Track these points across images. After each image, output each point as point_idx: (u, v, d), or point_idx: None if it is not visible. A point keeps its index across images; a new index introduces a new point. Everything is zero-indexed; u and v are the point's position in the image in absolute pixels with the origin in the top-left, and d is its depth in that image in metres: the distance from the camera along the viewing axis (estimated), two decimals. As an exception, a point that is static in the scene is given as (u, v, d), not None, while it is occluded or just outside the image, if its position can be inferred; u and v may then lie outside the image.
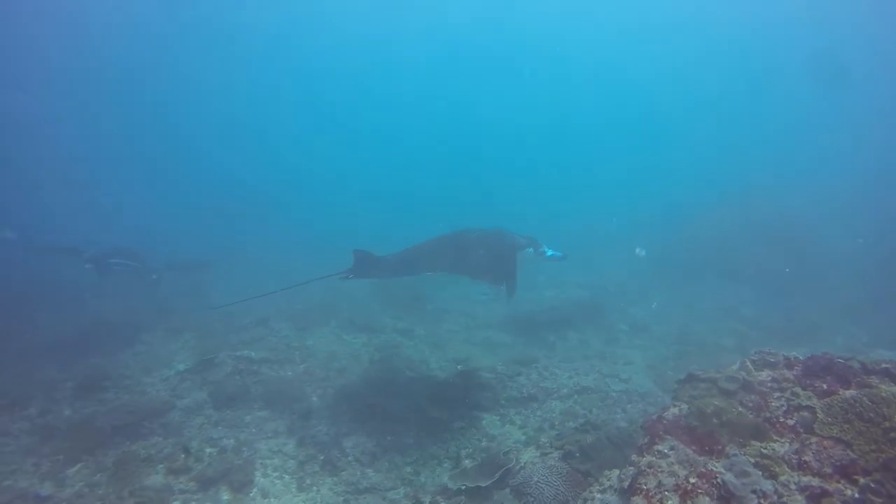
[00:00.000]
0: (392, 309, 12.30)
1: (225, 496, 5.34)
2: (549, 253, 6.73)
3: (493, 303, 11.87)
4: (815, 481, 2.80)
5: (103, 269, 10.35)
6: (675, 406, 3.61)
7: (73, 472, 5.53)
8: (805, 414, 3.20)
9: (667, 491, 2.94)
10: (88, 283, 11.42)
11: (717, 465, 3.02)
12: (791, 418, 3.24)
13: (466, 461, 5.82)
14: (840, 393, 3.22)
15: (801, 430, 3.14)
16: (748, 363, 3.82)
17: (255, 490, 5.46)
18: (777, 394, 3.45)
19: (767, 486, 2.82)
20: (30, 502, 5.05)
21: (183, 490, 5.35)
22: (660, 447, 3.26)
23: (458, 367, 8.59)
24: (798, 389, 3.38)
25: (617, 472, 3.57)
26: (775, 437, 3.17)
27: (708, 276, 13.37)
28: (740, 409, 3.40)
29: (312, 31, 38.26)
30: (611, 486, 3.54)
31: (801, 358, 3.63)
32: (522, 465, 5.23)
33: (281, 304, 11.48)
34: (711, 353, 8.69)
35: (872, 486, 2.69)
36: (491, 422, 6.69)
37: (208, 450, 6.00)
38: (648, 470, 3.12)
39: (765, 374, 3.63)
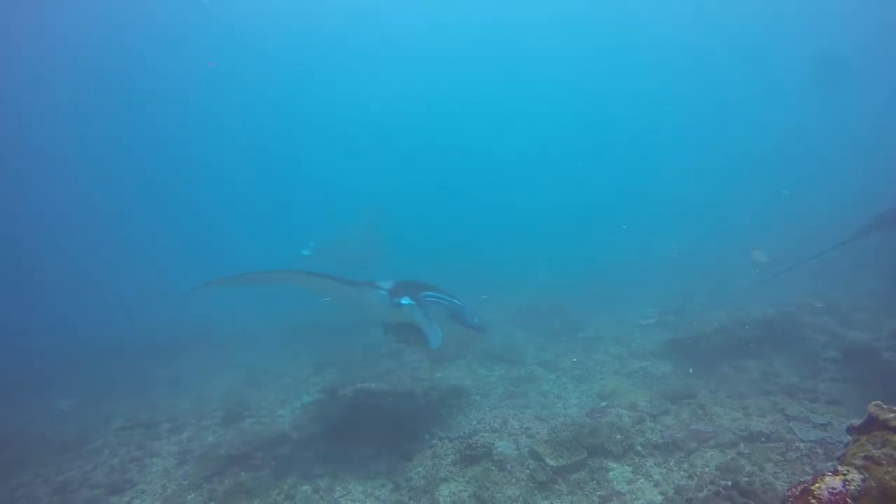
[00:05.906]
0: (539, 338, 10.99)
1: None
2: None
3: (656, 327, 9.65)
4: None
5: (419, 302, 9.64)
6: (838, 473, 1.83)
7: (191, 499, 5.73)
8: None
9: None
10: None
11: None
12: None
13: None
14: None
15: None
16: None
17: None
18: None
19: None
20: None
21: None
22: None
23: (603, 403, 6.94)
24: None
25: None
26: None
27: None
28: None
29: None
30: None
31: None
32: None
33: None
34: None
35: None
36: (620, 474, 4.99)
37: (303, 487, 5.67)
38: None
39: None
